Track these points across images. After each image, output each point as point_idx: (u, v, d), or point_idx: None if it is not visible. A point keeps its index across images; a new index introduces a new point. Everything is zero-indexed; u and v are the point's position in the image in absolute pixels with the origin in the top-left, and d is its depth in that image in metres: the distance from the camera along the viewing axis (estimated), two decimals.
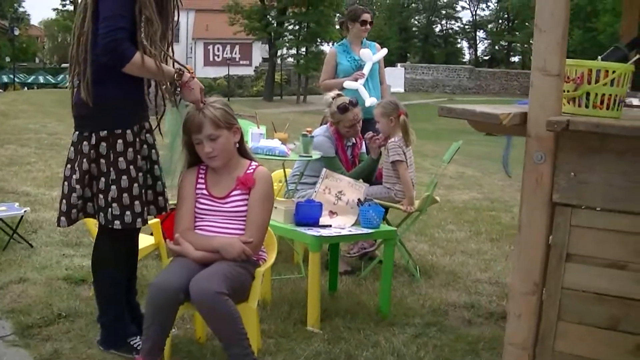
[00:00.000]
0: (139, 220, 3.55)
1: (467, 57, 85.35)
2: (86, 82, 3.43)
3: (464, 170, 13.98)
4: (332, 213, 4.69)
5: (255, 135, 5.44)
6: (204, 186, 3.67)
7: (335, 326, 4.35)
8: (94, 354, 3.75)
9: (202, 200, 3.65)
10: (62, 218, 3.54)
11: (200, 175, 3.70)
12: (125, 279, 3.78)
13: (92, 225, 4.47)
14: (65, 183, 3.56)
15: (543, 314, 2.69)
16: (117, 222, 3.49)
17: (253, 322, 3.55)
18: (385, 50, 7.23)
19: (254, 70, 56.21)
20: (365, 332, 4.30)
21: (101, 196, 3.50)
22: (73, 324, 4.13)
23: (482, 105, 2.58)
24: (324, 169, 4.88)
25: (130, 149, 3.51)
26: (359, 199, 4.66)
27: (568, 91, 2.85)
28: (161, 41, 3.54)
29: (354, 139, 5.89)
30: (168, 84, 3.51)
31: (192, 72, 3.57)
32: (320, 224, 4.50)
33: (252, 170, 3.66)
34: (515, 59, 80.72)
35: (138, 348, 3.64)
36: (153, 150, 3.72)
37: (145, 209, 3.61)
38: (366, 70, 6.84)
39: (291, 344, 4.04)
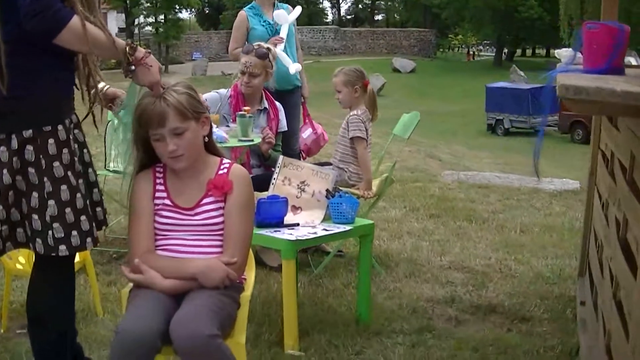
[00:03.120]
0: (89, 240, 2.80)
1: (330, 17, 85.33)
2: None
3: None
4: (295, 208, 4.04)
5: None
6: (165, 194, 2.95)
7: (318, 344, 3.74)
8: None
9: (164, 213, 2.93)
10: None
11: (157, 181, 2.97)
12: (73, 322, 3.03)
13: (7, 262, 3.68)
14: None
15: None
16: (62, 247, 2.72)
17: None
18: (299, 9, 6.56)
19: None
20: (354, 348, 3.73)
21: (35, 216, 2.70)
22: None
23: (598, 80, 1.95)
24: (281, 156, 4.21)
25: (66, 150, 2.73)
26: (327, 190, 4.04)
27: None
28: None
29: (266, 104, 5.25)
30: (124, 61, 2.75)
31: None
32: (285, 222, 3.87)
33: (225, 170, 2.96)
34: (379, 17, 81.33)
35: None
36: (85, 150, 2.96)
37: (94, 223, 2.86)
38: (283, 33, 6.19)
39: None
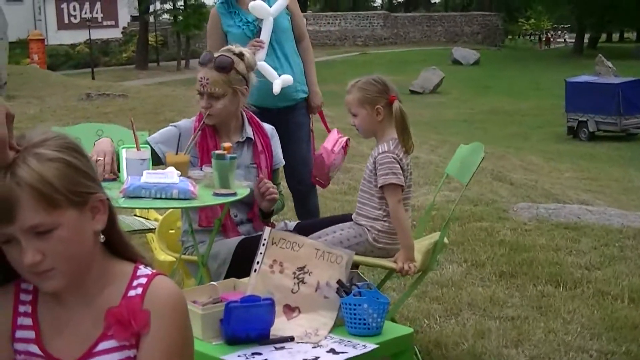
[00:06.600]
0: None
1: (378, 0, 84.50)
2: None
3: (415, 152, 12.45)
4: (289, 310, 3.00)
5: (132, 162, 3.67)
6: (31, 335, 1.92)
7: None
8: None
9: None
10: None
11: (21, 309, 1.95)
12: None
13: None
14: None
15: None
16: None
17: None
18: None
19: (122, 32, 54.57)
20: None
21: None
22: None
23: None
24: (267, 228, 3.16)
25: None
26: (338, 281, 2.99)
27: None
28: None
29: (249, 132, 4.16)
30: None
31: None
32: (272, 336, 2.85)
33: (139, 291, 1.93)
34: None
35: None
36: None
37: None
38: (265, 34, 5.14)
39: None
